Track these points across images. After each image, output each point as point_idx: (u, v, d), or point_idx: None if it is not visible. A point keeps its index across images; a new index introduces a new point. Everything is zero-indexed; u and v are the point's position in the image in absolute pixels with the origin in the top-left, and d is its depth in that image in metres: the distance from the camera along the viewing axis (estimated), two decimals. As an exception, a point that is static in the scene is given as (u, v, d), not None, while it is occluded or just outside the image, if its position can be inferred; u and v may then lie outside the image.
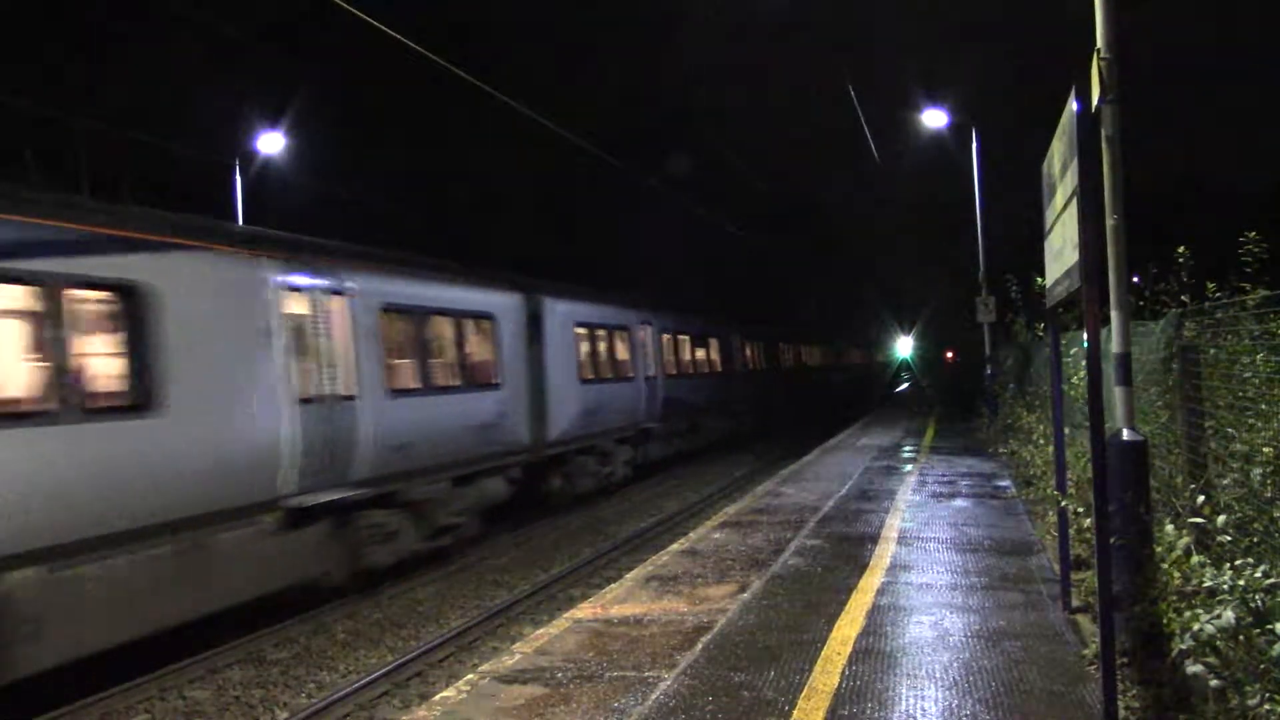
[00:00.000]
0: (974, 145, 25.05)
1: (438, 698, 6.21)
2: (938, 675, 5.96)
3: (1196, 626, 4.55)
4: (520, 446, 14.90)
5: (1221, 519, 4.96)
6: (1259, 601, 4.32)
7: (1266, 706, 4.05)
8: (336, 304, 10.94)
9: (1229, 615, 4.39)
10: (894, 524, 11.09)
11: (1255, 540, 4.69)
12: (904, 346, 78.24)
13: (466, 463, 13.13)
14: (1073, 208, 5.18)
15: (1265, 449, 4.77)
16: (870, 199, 59.51)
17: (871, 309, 70.49)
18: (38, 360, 7.63)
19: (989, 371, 23.17)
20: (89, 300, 8.12)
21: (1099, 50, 6.22)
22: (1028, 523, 10.83)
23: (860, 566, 8.96)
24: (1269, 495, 4.65)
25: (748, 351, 30.63)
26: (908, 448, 20.47)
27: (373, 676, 8.58)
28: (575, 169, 38.36)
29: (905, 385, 67.37)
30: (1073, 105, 5.13)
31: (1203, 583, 4.78)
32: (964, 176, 26.28)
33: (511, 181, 41.80)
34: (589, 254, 40.70)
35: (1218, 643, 4.50)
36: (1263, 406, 4.96)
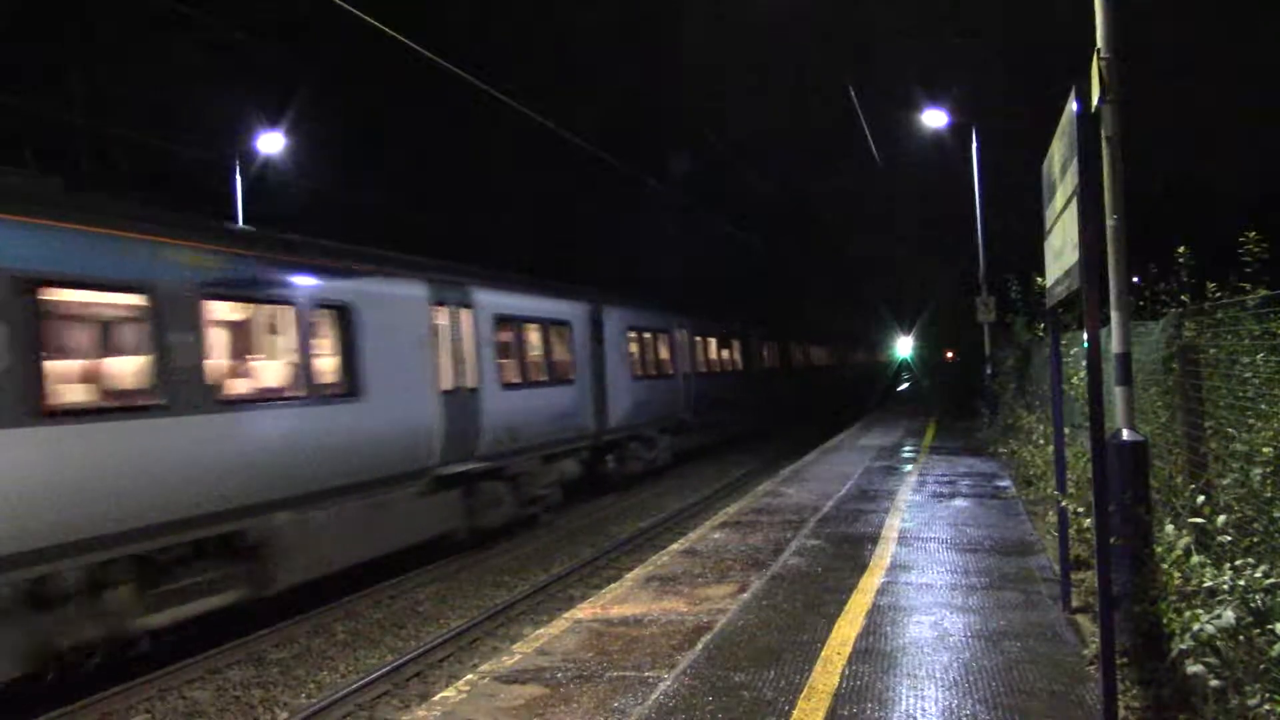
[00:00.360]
0: (974, 145, 25.06)
1: (438, 698, 6.21)
2: (938, 675, 5.96)
3: (1196, 626, 4.54)
4: (588, 432, 17.53)
5: (1221, 519, 4.95)
6: (1259, 601, 4.32)
7: (1266, 707, 4.05)
8: (465, 314, 13.62)
9: (1229, 615, 4.39)
10: (894, 524, 11.09)
11: (1255, 540, 4.68)
12: (904, 346, 78.10)
13: (551, 444, 15.79)
14: (1073, 208, 5.18)
15: (1265, 449, 4.75)
16: (871, 198, 59.45)
17: (872, 309, 70.39)
18: (293, 359, 10.34)
19: (989, 371, 23.15)
20: (320, 316, 10.80)
21: (1099, 50, 6.22)
22: (1028, 523, 10.83)
23: (860, 566, 8.96)
24: (1269, 495, 4.64)
25: (764, 352, 31.89)
26: (908, 448, 20.47)
27: (373, 676, 8.58)
28: (574, 168, 38.36)
29: (905, 385, 67.30)
30: (1073, 105, 5.12)
31: (1203, 583, 4.77)
32: (964, 175, 26.29)
33: (511, 181, 41.80)
34: (588, 253, 40.71)
35: (1218, 643, 4.49)
36: (1263, 406, 4.95)
